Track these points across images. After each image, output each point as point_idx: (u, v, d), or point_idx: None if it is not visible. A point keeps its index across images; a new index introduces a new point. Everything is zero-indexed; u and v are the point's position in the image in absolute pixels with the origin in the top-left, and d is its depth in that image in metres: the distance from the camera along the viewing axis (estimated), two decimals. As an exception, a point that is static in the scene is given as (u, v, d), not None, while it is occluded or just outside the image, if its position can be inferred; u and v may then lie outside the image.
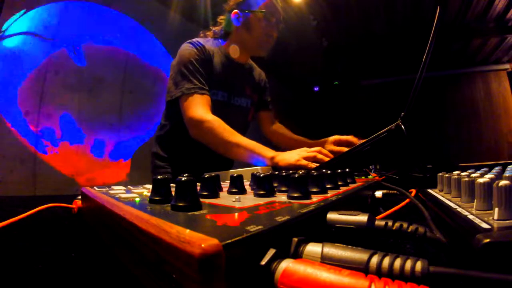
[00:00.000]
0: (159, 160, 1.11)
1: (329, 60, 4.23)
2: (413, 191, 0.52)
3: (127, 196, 0.31)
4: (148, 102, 2.57)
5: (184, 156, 1.08)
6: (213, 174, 0.32)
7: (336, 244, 0.17)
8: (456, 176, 0.34)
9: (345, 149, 0.88)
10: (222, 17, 1.14)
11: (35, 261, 0.26)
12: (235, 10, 1.06)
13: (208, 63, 1.01)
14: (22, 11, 1.78)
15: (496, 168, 0.45)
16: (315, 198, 0.28)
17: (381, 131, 0.65)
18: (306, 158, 0.80)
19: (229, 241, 0.14)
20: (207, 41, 1.06)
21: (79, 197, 0.43)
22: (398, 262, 0.15)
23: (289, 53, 3.70)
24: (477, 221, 0.22)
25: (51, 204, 0.49)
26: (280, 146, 1.19)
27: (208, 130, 0.91)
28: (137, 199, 0.29)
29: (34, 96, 1.85)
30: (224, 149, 0.92)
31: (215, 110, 0.99)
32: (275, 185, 0.35)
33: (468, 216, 0.24)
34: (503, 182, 0.22)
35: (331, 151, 0.83)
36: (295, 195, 0.28)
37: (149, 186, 0.38)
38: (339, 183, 0.40)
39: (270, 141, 1.21)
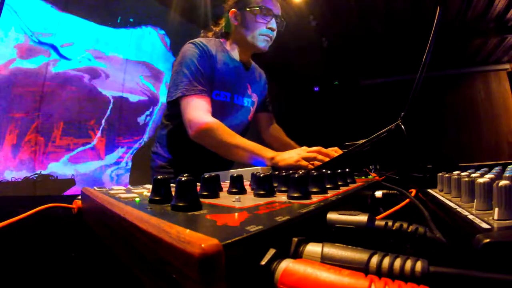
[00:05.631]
0: (160, 160, 1.11)
1: (329, 60, 4.23)
2: (413, 191, 0.51)
3: (127, 196, 0.31)
4: (148, 102, 2.57)
5: (185, 156, 1.08)
6: (213, 174, 0.32)
7: (336, 244, 0.17)
8: (456, 176, 0.34)
9: (341, 151, 0.88)
10: (222, 19, 1.14)
11: (35, 261, 0.26)
12: (233, 9, 1.06)
13: (210, 63, 1.01)
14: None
15: (496, 168, 0.45)
16: (315, 198, 0.28)
17: (381, 131, 0.65)
18: (306, 158, 0.80)
19: (229, 241, 0.14)
20: (209, 41, 1.06)
21: (79, 197, 0.43)
22: (398, 262, 0.15)
23: (289, 53, 3.70)
24: (477, 221, 0.22)
25: (51, 204, 0.49)
26: (271, 147, 1.20)
27: (207, 132, 0.91)
28: (137, 199, 0.29)
29: (34, 96, 1.85)
30: (223, 150, 0.92)
31: (218, 111, 0.99)
32: (275, 185, 0.35)
33: (468, 216, 0.24)
34: (503, 182, 0.22)
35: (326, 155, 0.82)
36: (295, 195, 0.28)
37: (149, 186, 0.38)
38: (339, 183, 0.40)
39: (263, 142, 1.22)
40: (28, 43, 1.83)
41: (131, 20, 2.46)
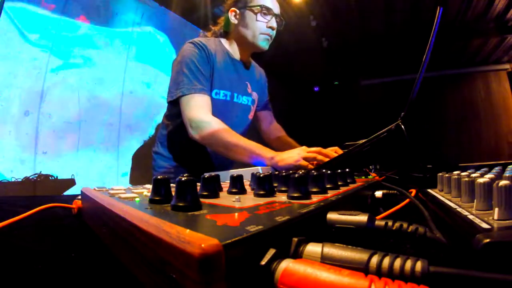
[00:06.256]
0: (161, 159, 1.11)
1: (329, 60, 4.23)
2: (413, 191, 0.51)
3: (127, 196, 0.31)
4: (148, 102, 2.57)
5: (186, 155, 1.09)
6: (213, 174, 0.32)
7: (336, 244, 0.17)
8: (456, 176, 0.34)
9: (341, 151, 0.88)
10: (222, 18, 1.14)
11: (35, 261, 0.26)
12: (232, 8, 1.06)
13: (210, 63, 1.01)
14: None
15: (496, 168, 0.45)
16: (315, 198, 0.28)
17: (381, 131, 0.65)
18: (306, 159, 0.80)
19: (229, 241, 0.14)
20: (209, 40, 1.06)
21: (79, 197, 0.43)
22: (398, 262, 0.15)
23: (289, 53, 3.70)
24: (477, 221, 0.22)
25: (51, 204, 0.49)
26: (271, 146, 1.20)
27: (207, 131, 0.91)
28: (137, 199, 0.29)
29: (34, 96, 1.85)
30: (223, 149, 0.93)
31: (218, 110, 0.99)
32: (275, 185, 0.35)
33: (468, 216, 0.24)
34: (503, 182, 0.22)
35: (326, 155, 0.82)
36: (295, 195, 0.28)
37: (149, 186, 0.38)
38: (339, 183, 0.40)
39: (264, 141, 1.22)
40: (27, 43, 1.83)
41: (131, 20, 2.46)
